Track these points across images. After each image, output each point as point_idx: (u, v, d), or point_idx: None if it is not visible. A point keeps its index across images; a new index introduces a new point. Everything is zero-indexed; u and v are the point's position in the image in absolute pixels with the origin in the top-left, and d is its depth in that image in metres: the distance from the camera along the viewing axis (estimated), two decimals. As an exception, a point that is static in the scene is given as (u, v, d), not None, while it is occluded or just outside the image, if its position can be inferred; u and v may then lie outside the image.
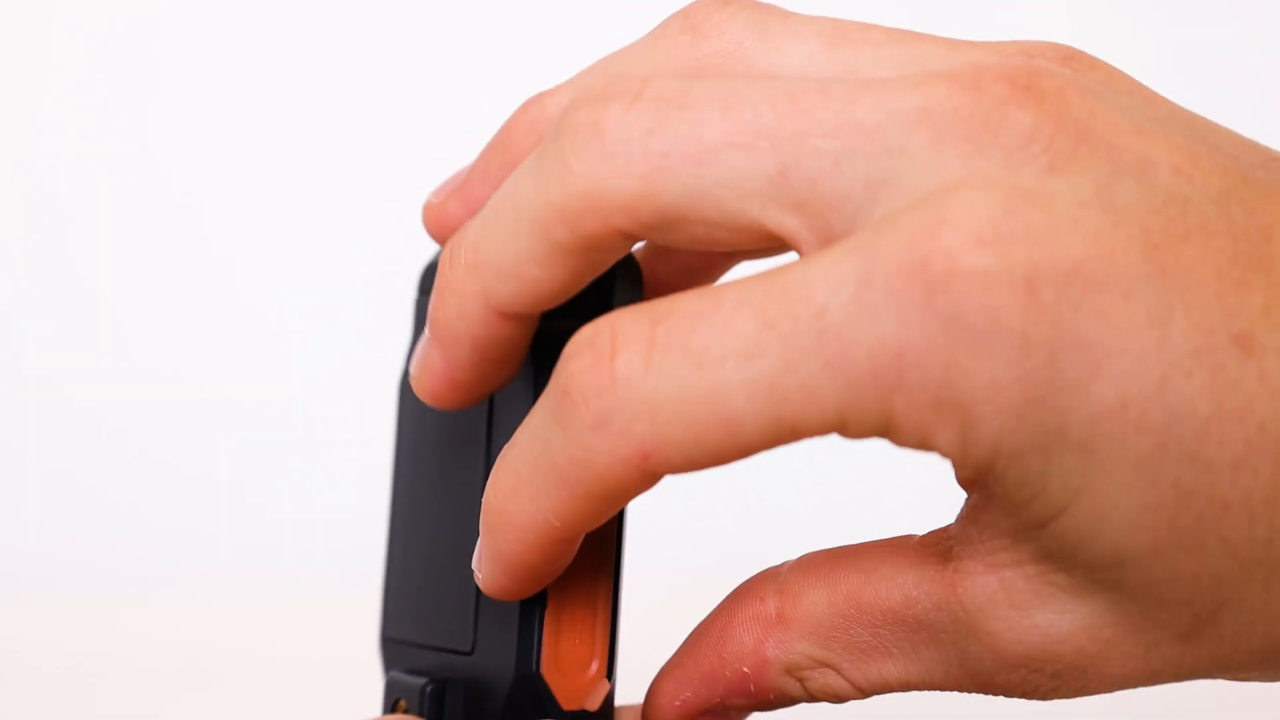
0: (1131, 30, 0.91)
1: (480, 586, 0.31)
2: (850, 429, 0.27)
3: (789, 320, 0.26)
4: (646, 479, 0.28)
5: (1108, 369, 0.26)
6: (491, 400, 0.34)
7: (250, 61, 0.90)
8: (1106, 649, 0.28)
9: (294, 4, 0.90)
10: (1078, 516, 0.27)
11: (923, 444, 0.27)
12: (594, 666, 0.32)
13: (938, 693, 0.31)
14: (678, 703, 0.31)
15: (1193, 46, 0.91)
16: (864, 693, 0.30)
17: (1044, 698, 0.29)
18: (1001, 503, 0.28)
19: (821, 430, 0.27)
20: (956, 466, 0.28)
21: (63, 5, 0.88)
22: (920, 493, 0.84)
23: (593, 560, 0.32)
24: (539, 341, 0.33)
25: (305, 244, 0.89)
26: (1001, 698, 0.30)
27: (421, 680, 0.33)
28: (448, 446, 0.36)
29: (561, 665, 0.31)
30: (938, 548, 0.30)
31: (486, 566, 0.31)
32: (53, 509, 0.87)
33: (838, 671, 0.30)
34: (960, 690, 0.30)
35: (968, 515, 0.29)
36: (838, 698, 0.31)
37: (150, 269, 0.89)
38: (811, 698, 0.31)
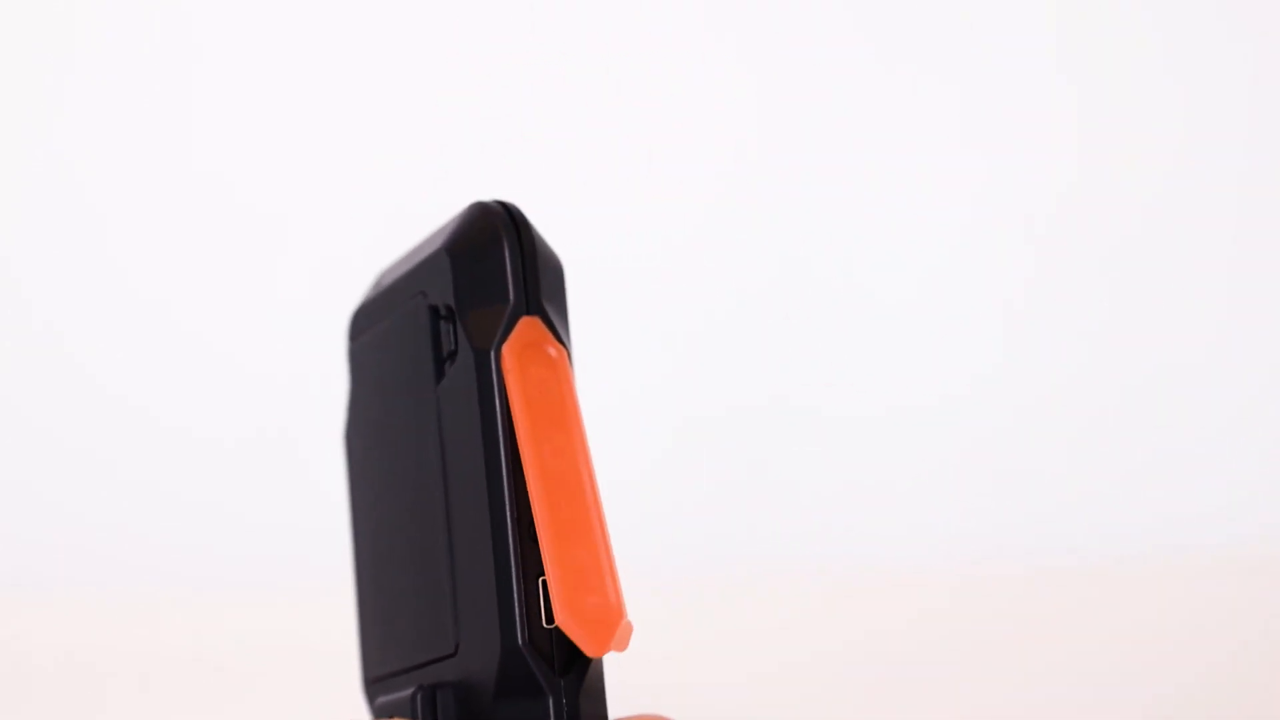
0: (1130, 31, 0.91)
1: None
2: None
3: None
4: None
5: None
6: (439, 405, 0.35)
7: (282, 61, 0.90)
8: None
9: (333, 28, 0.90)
10: None
11: None
12: (613, 609, 0.32)
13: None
14: None
15: (1190, 47, 0.91)
16: None
17: None
18: None
19: None
20: None
21: (82, 7, 0.88)
22: (924, 486, 0.84)
23: (583, 507, 0.32)
24: (471, 330, 0.33)
25: (309, 245, 0.89)
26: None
27: (410, 690, 0.34)
28: (403, 467, 0.36)
29: (581, 615, 0.32)
30: None
31: None
32: (53, 508, 0.87)
33: None
34: None
35: None
36: None
37: (150, 266, 0.89)
38: None
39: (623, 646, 0.31)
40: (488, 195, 0.38)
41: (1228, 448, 0.84)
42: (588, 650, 0.31)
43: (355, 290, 0.91)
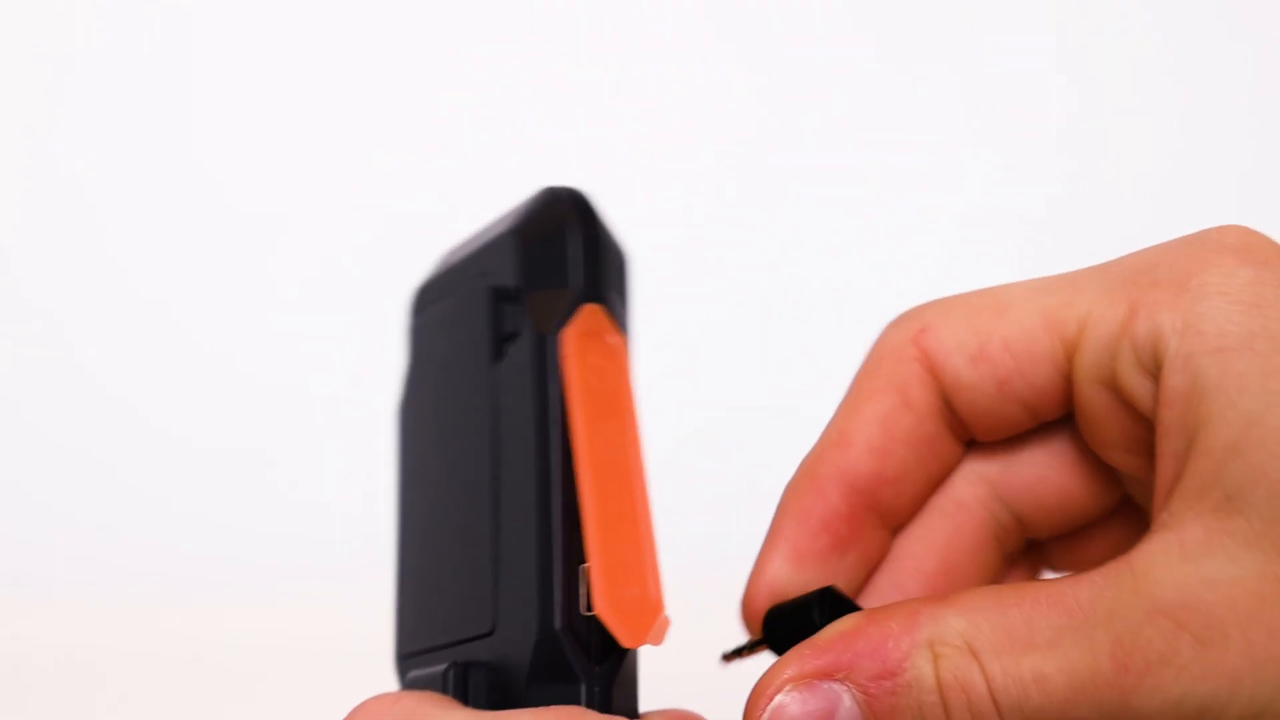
0: (1130, 30, 0.91)
1: None
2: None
3: None
4: (919, 365, 0.33)
5: None
6: (495, 384, 0.34)
7: (282, 63, 0.90)
8: (1260, 605, 0.28)
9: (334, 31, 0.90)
10: (1269, 425, 0.28)
11: (1154, 327, 0.30)
12: (652, 602, 0.32)
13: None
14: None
15: (1190, 47, 0.91)
16: (993, 697, 0.30)
17: (1175, 686, 0.29)
18: (1200, 424, 0.29)
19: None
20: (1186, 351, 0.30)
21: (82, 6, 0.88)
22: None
23: (630, 498, 0.32)
24: (534, 311, 0.34)
25: (310, 249, 0.90)
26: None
27: (443, 666, 0.33)
28: (454, 444, 0.36)
29: (619, 606, 0.31)
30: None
31: None
32: (54, 510, 0.87)
33: (978, 659, 0.30)
34: (1086, 686, 0.29)
35: (1161, 490, 0.30)
36: (964, 694, 0.30)
37: (151, 258, 0.89)
38: (938, 689, 0.30)
39: (659, 640, 0.31)
40: (553, 184, 0.38)
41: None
42: (623, 641, 0.31)
43: (355, 294, 0.91)
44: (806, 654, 0.31)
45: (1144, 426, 0.32)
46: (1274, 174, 0.87)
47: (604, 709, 0.32)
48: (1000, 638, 0.30)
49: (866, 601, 0.35)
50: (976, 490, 0.35)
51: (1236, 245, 0.31)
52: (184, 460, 0.87)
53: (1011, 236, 0.86)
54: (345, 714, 0.32)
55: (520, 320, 0.34)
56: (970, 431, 0.34)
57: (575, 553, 0.32)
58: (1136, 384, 0.31)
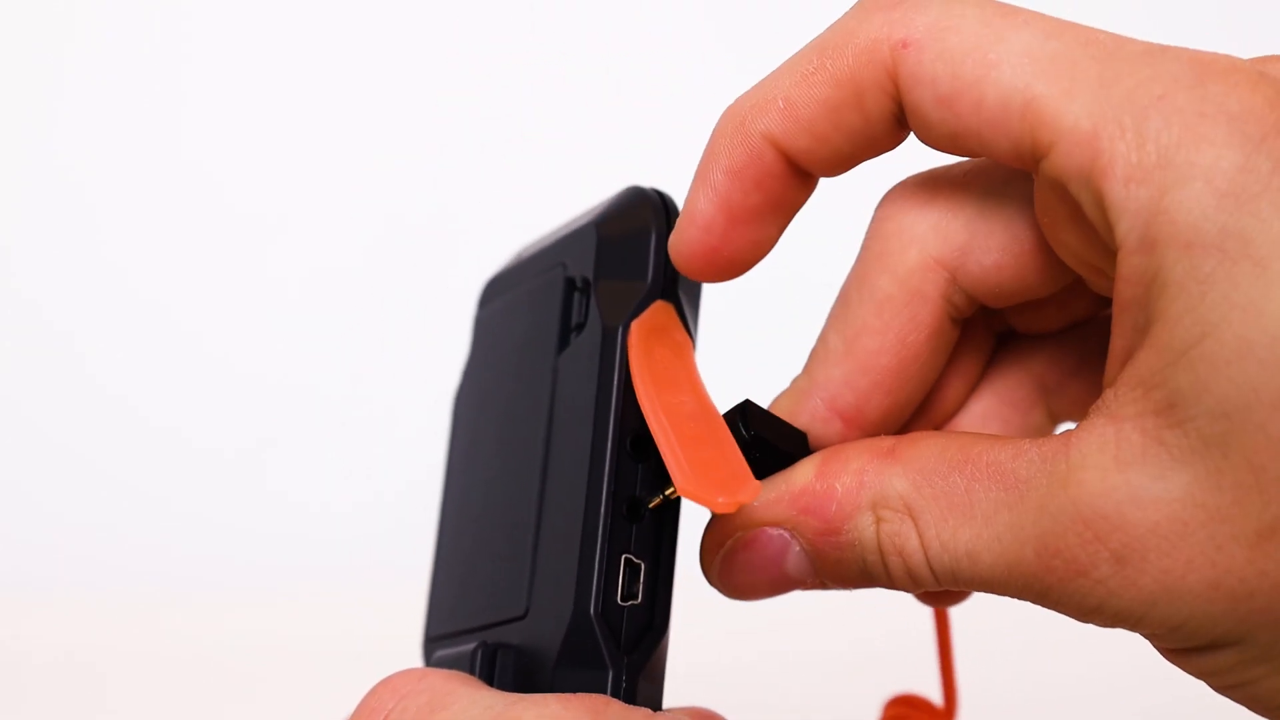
0: (1128, 30, 0.91)
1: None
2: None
3: None
4: (886, 79, 0.31)
5: None
6: (558, 372, 0.34)
7: (282, 64, 0.90)
8: (1182, 531, 0.28)
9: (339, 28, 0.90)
10: (1223, 340, 0.27)
11: (1098, 192, 0.28)
12: (740, 473, 0.31)
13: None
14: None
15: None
16: (929, 563, 0.30)
17: (1091, 596, 0.29)
18: (1155, 317, 0.28)
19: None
20: (1135, 244, 0.28)
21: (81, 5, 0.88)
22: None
23: (706, 417, 0.32)
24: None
25: (310, 250, 0.90)
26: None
27: (471, 645, 0.33)
28: (509, 428, 0.36)
29: (708, 475, 0.31)
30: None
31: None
32: (54, 511, 0.87)
33: (916, 524, 0.30)
34: (1012, 570, 0.29)
35: (1115, 358, 0.30)
36: (901, 558, 0.31)
37: (156, 254, 0.89)
38: (879, 550, 0.31)
39: (752, 496, 0.31)
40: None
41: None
42: (717, 505, 0.30)
43: (355, 295, 0.91)
44: (756, 506, 0.32)
45: (1102, 250, 0.30)
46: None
47: (629, 698, 0.31)
48: (940, 504, 0.30)
49: (820, 403, 0.34)
50: (936, 279, 0.34)
51: (1237, 111, 0.28)
52: (184, 460, 0.87)
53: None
54: (372, 686, 0.32)
55: (590, 311, 0.34)
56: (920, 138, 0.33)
57: (619, 544, 0.32)
58: (1100, 225, 0.30)
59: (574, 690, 0.31)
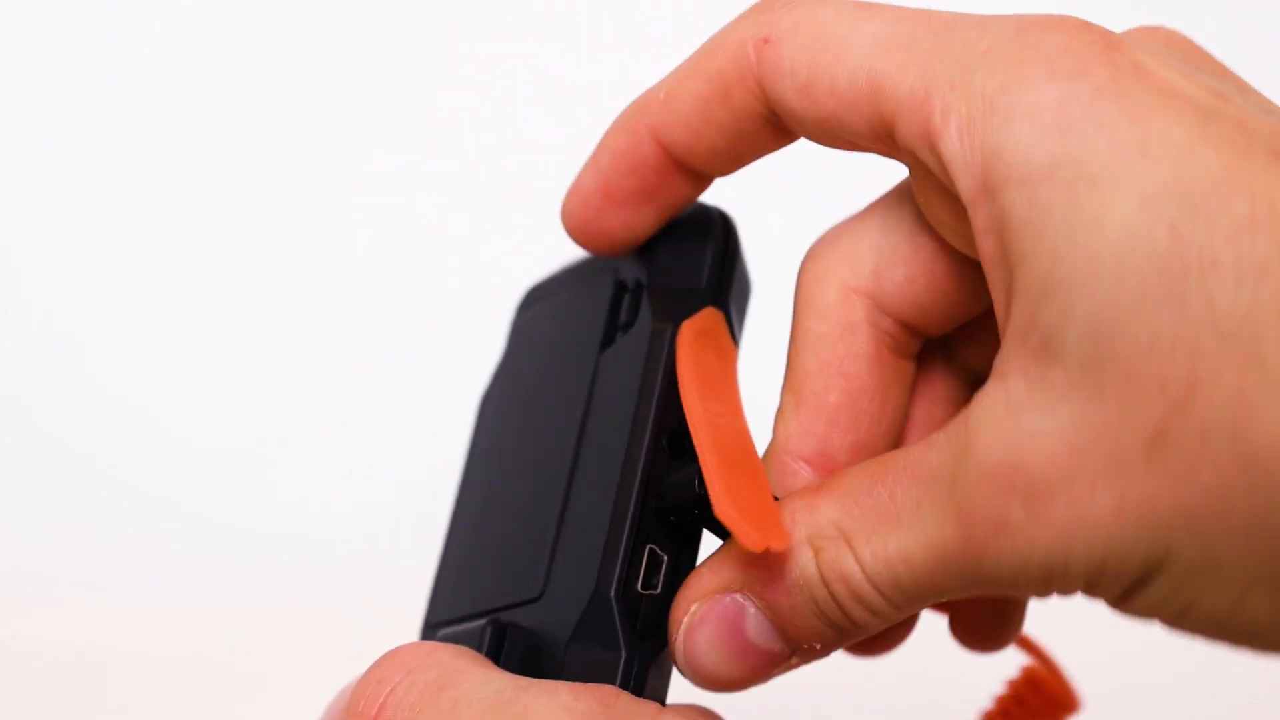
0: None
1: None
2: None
3: None
4: (749, 75, 0.33)
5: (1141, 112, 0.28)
6: (599, 367, 0.35)
7: (283, 63, 0.90)
8: (1079, 459, 0.28)
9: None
10: (1074, 263, 0.28)
11: (930, 140, 0.30)
12: (773, 516, 0.31)
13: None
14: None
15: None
16: (870, 580, 0.30)
17: (1014, 553, 0.29)
18: (1014, 263, 0.29)
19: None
20: (982, 188, 0.29)
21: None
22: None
23: (745, 449, 0.32)
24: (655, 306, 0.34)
25: (311, 250, 0.90)
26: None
27: (479, 623, 0.33)
28: (539, 419, 0.36)
29: (744, 508, 0.31)
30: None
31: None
32: (55, 511, 0.87)
33: (850, 545, 0.30)
34: (944, 558, 0.29)
35: (1000, 321, 0.30)
36: (844, 583, 0.31)
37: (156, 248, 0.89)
38: (823, 582, 0.31)
39: (782, 545, 0.30)
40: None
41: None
42: (750, 540, 0.30)
43: (355, 294, 0.91)
44: (705, 574, 0.32)
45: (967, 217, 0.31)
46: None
47: (639, 684, 0.31)
48: (869, 519, 0.30)
49: (786, 459, 0.34)
50: (858, 306, 0.34)
51: (1056, 51, 0.29)
52: (184, 460, 0.87)
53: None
54: (380, 656, 0.32)
55: (640, 311, 0.35)
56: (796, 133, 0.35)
57: (645, 532, 0.32)
58: (951, 186, 0.30)
59: (584, 669, 0.31)
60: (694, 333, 0.34)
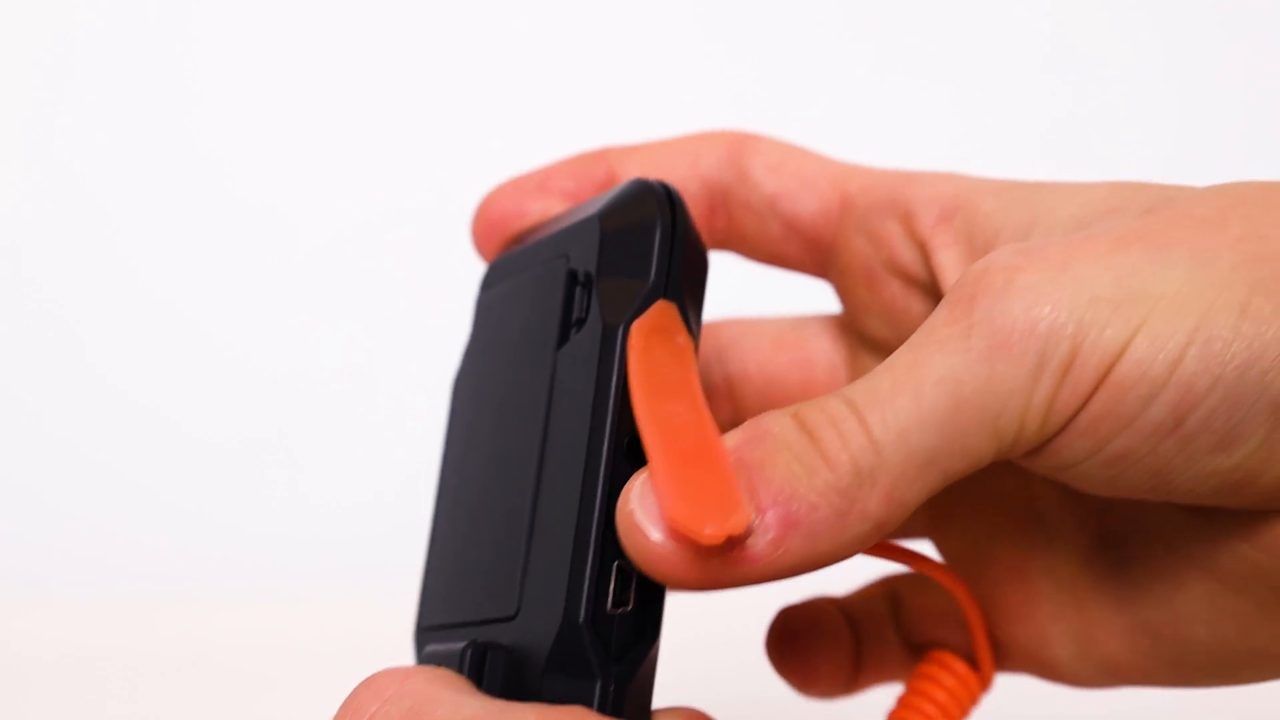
0: (1128, 31, 0.91)
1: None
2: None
3: None
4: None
5: None
6: (556, 368, 0.34)
7: (285, 61, 0.90)
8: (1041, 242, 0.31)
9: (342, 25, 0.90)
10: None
11: None
12: (730, 497, 0.30)
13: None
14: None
15: (1189, 48, 0.91)
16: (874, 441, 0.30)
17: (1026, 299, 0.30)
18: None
19: None
20: None
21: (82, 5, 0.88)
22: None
23: (703, 439, 0.31)
24: (603, 300, 0.33)
25: (312, 248, 0.90)
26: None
27: (461, 644, 0.33)
28: (506, 422, 0.36)
29: (693, 508, 0.29)
30: None
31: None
32: (55, 510, 0.87)
33: (856, 414, 0.30)
34: (958, 397, 0.29)
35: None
36: (836, 429, 0.30)
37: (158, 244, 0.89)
38: (800, 425, 0.30)
39: (740, 528, 0.29)
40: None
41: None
42: (703, 538, 0.29)
43: (357, 294, 0.91)
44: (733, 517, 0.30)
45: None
46: (1274, 176, 0.87)
47: (616, 707, 0.31)
48: (874, 392, 0.30)
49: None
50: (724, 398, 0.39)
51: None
52: (185, 459, 0.87)
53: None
54: (357, 685, 0.32)
55: (591, 307, 0.34)
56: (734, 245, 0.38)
57: (613, 550, 0.31)
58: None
59: (561, 697, 0.31)
60: (645, 333, 0.33)
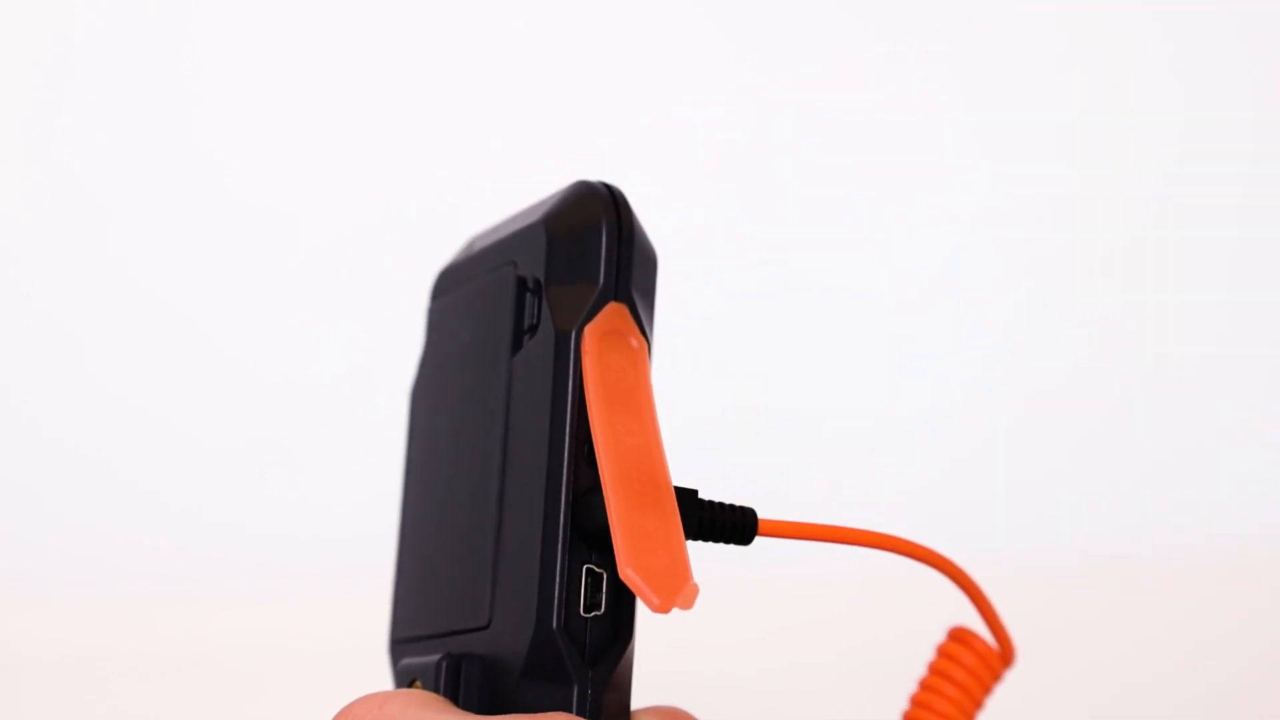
0: (1132, 32, 0.91)
1: None
2: None
3: None
4: None
5: None
6: (512, 376, 0.34)
7: (286, 61, 0.90)
8: None
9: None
10: None
11: None
12: (681, 566, 0.31)
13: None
14: None
15: (1191, 49, 0.91)
16: None
17: None
18: None
19: None
20: None
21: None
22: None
23: (654, 484, 0.32)
24: (555, 306, 0.33)
25: (313, 249, 0.90)
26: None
27: (435, 657, 0.33)
28: (467, 432, 0.36)
29: (647, 569, 0.30)
30: None
31: None
32: (55, 510, 0.87)
33: None
34: None
35: None
36: None
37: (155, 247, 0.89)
38: None
39: (688, 604, 0.30)
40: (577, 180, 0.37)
41: (1227, 449, 0.84)
42: (653, 604, 0.30)
43: (356, 294, 0.91)
44: None
45: None
46: (1274, 176, 0.87)
47: (595, 711, 0.31)
48: None
49: None
50: None
51: None
52: (185, 459, 0.87)
53: (1011, 238, 0.86)
54: (334, 714, 0.32)
55: (542, 314, 0.34)
56: None
57: (580, 554, 0.31)
58: None
59: (539, 703, 0.31)
60: (598, 336, 0.33)
